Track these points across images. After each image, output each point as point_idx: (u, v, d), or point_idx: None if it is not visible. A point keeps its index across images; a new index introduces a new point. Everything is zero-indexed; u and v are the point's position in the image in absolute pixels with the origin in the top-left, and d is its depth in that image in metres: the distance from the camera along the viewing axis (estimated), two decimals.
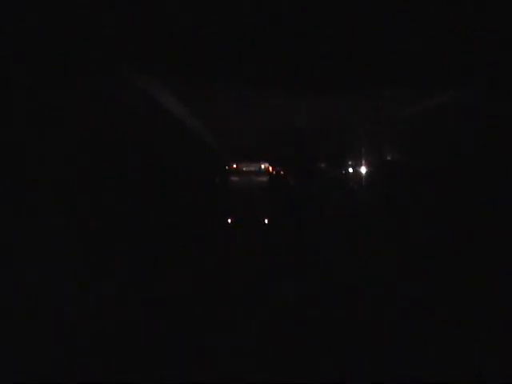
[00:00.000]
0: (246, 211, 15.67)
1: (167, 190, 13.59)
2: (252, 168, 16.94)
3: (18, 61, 5.81)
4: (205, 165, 17.11)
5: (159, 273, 8.98)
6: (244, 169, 16.83)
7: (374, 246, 10.83)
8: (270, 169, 16.82)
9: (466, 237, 9.36)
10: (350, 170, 17.37)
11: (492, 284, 7.63)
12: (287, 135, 14.46)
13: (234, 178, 16.79)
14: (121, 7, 5.83)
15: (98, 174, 9.19)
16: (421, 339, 6.25)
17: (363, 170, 16.17)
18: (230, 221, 15.34)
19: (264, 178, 16.83)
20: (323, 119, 11.98)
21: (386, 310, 7.28)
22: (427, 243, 9.99)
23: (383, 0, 5.94)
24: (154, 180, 13.04)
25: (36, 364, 5.26)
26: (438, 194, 10.58)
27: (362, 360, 5.82)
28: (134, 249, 9.51)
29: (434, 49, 6.55)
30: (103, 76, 7.06)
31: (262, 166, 16.84)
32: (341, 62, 6.86)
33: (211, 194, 16.44)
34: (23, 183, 6.46)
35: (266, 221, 15.26)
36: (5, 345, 5.41)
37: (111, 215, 9.87)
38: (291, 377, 5.37)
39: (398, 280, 8.56)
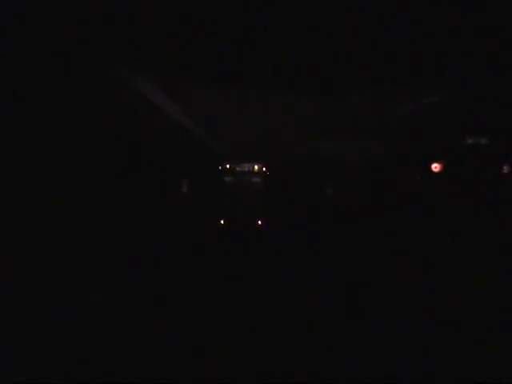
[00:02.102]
0: (238, 212, 15.63)
1: (156, 191, 13.52)
2: (246, 168, 16.89)
3: (18, 61, 5.77)
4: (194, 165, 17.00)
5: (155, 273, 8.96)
6: (238, 169, 16.78)
7: None
8: (264, 169, 16.78)
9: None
10: None
11: (492, 284, 7.67)
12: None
13: (228, 179, 16.74)
14: (120, 7, 5.80)
15: (94, 173, 9.15)
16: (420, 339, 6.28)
17: None
18: (222, 222, 15.30)
19: (257, 179, 16.79)
20: None
21: (384, 309, 7.30)
22: None
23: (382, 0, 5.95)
24: (147, 179, 12.99)
25: (36, 364, 5.25)
26: None
27: (363, 360, 5.83)
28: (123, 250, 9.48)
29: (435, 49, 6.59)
30: (102, 76, 7.03)
31: (256, 167, 16.79)
32: (341, 61, 6.89)
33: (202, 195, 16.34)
34: (22, 183, 6.42)
35: (260, 222, 15.22)
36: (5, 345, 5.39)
37: (102, 214, 9.83)
38: None
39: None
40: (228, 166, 16.74)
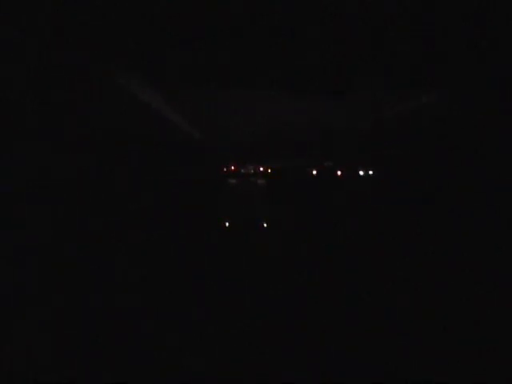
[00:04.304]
0: (243, 214, 15.65)
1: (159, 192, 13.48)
2: (250, 170, 16.93)
3: (14, 61, 5.79)
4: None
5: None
6: (242, 171, 16.82)
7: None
8: (269, 170, 16.80)
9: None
10: None
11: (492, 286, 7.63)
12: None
13: (232, 181, 16.77)
14: (114, 7, 5.78)
15: (92, 175, 9.17)
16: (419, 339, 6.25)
17: None
18: (227, 224, 15.30)
19: (262, 181, 16.82)
20: None
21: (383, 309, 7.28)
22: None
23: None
24: (149, 182, 12.97)
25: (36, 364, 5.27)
26: None
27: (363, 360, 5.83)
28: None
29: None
30: (98, 77, 7.02)
31: (261, 168, 16.82)
32: (341, 62, 6.88)
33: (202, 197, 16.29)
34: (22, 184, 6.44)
35: (265, 224, 15.22)
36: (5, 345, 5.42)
37: (106, 215, 9.83)
38: None
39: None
40: (232, 167, 16.78)
